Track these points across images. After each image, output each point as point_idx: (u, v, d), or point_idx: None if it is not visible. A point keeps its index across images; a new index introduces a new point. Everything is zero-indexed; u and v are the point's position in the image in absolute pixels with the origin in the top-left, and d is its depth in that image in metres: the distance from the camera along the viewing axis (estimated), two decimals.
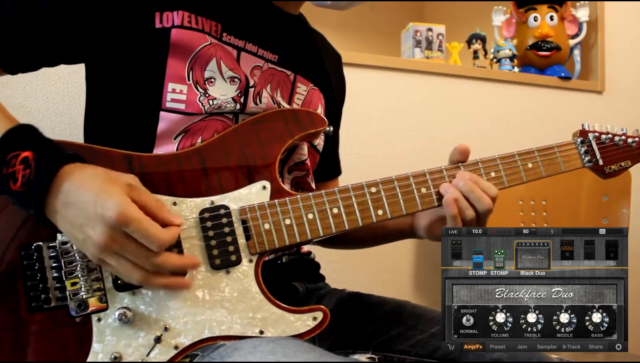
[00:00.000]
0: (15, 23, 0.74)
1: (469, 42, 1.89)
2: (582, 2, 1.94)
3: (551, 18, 1.87)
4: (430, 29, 1.77)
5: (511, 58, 1.85)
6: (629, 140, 0.88)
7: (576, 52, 1.95)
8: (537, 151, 0.84)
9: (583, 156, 0.87)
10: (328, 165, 1.04)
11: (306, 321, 0.72)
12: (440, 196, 0.79)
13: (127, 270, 0.63)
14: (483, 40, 1.89)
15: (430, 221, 0.86)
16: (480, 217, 0.79)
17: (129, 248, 0.61)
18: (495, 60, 1.86)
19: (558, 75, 1.87)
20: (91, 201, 0.61)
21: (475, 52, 1.88)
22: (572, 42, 1.93)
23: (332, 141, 1.07)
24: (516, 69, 1.86)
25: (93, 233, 0.61)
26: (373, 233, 1.00)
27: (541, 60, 1.88)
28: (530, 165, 0.83)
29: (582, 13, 1.93)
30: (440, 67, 1.74)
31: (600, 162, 0.87)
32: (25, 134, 0.67)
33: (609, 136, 0.88)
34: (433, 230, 0.86)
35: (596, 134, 0.87)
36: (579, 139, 0.87)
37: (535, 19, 1.87)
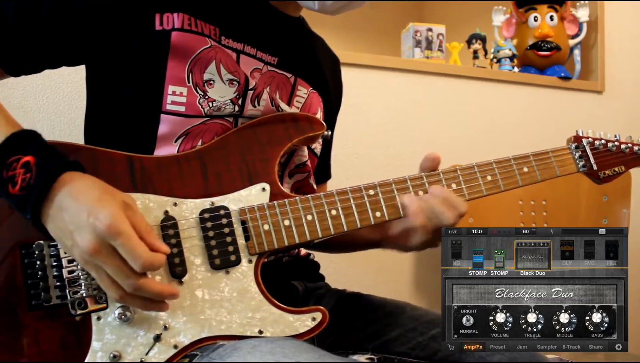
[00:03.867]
0: (17, 25, 0.74)
1: (469, 42, 1.89)
2: (582, 2, 1.94)
3: (551, 18, 1.87)
4: (430, 29, 1.77)
5: (511, 58, 1.85)
6: (622, 146, 0.89)
7: (576, 52, 1.95)
8: (532, 156, 0.85)
9: (577, 161, 0.87)
10: (318, 169, 1.04)
11: (305, 321, 0.72)
12: (404, 207, 0.78)
13: (106, 285, 0.63)
14: (483, 40, 1.89)
15: (398, 232, 0.80)
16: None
17: (111, 264, 0.61)
18: (495, 60, 1.86)
19: (558, 75, 1.87)
20: (85, 209, 0.61)
21: (475, 52, 1.88)
22: (572, 42, 1.93)
23: (326, 146, 1.07)
24: (516, 69, 1.86)
25: (80, 240, 0.60)
26: (347, 241, 0.96)
27: (541, 60, 1.88)
28: (525, 169, 0.84)
29: (582, 13, 1.93)
30: (440, 67, 1.74)
31: (595, 167, 0.88)
32: (28, 139, 0.67)
33: (603, 141, 0.89)
34: (400, 241, 0.81)
35: (590, 139, 0.89)
36: (573, 145, 0.88)
37: (535, 19, 1.87)
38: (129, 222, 0.61)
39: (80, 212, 0.61)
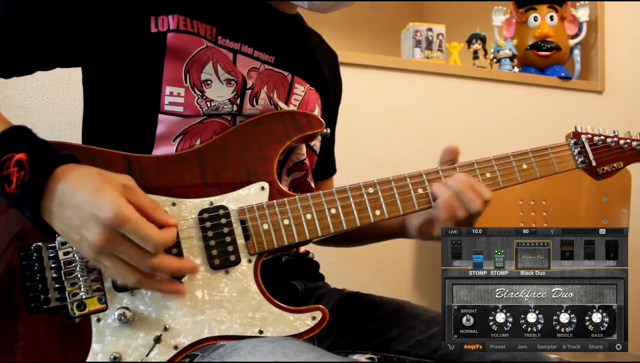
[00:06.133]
0: (8, 26, 0.73)
1: (469, 42, 1.89)
2: (582, 2, 1.94)
3: (551, 18, 1.87)
4: (430, 29, 1.77)
5: (511, 58, 1.85)
6: (621, 142, 0.89)
7: (576, 52, 1.95)
8: (531, 152, 0.85)
9: (576, 157, 0.87)
10: (323, 165, 1.05)
11: (305, 320, 0.72)
12: (435, 197, 0.79)
13: (123, 272, 0.62)
14: (483, 40, 1.89)
15: (422, 221, 0.84)
16: (471, 218, 0.78)
17: (125, 249, 0.61)
18: (495, 60, 1.86)
19: (558, 75, 1.87)
20: (85, 201, 0.61)
21: (475, 52, 1.88)
22: (572, 42, 1.93)
23: (328, 140, 1.07)
24: (516, 69, 1.86)
25: (88, 233, 0.60)
26: (365, 233, 0.99)
27: (541, 60, 1.88)
28: (524, 166, 0.84)
29: (582, 13, 1.93)
30: (440, 67, 1.74)
31: (594, 163, 0.87)
32: (20, 136, 0.67)
33: (602, 137, 0.89)
34: (424, 229, 0.84)
35: (589, 135, 0.88)
36: (572, 141, 0.88)
37: (535, 19, 1.87)
38: (131, 206, 0.61)
39: (81, 205, 0.61)
